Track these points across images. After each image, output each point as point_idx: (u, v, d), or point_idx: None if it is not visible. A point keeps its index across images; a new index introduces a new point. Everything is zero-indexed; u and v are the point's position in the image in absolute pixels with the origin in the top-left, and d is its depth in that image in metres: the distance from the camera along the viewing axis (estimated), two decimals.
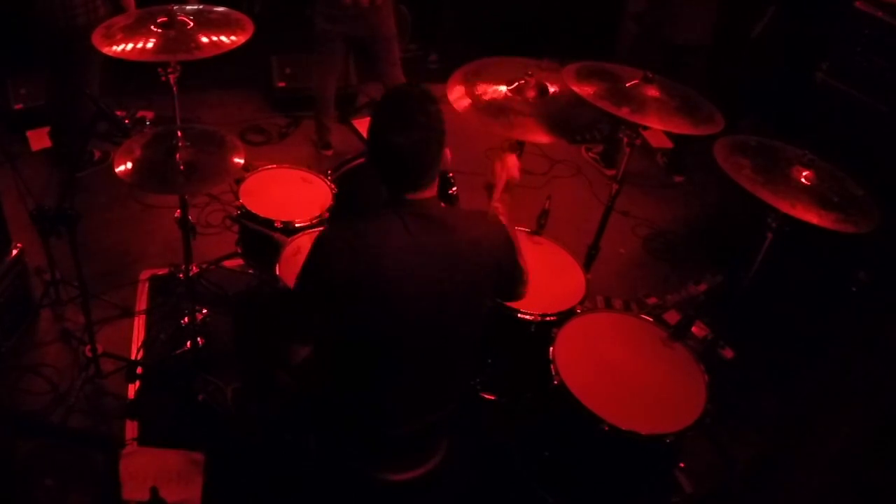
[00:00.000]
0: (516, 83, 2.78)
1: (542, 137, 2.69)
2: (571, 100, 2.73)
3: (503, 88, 2.73)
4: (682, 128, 2.60)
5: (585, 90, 2.64)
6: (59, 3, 3.32)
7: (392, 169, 1.75)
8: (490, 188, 2.22)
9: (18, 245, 3.04)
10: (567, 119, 2.75)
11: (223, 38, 2.55)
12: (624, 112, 2.55)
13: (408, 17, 5.07)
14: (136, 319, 3.25)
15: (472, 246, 1.81)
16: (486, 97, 2.70)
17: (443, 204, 1.89)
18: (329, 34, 3.94)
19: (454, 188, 3.07)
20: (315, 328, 1.90)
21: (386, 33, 4.00)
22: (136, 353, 3.09)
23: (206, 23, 2.61)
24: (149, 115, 4.51)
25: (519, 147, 2.55)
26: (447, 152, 1.80)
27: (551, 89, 2.78)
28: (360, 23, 3.87)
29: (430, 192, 1.79)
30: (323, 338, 1.92)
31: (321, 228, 2.83)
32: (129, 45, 2.46)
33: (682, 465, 2.62)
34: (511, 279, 1.98)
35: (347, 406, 1.95)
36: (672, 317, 2.77)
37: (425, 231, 1.75)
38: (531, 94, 2.77)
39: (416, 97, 1.74)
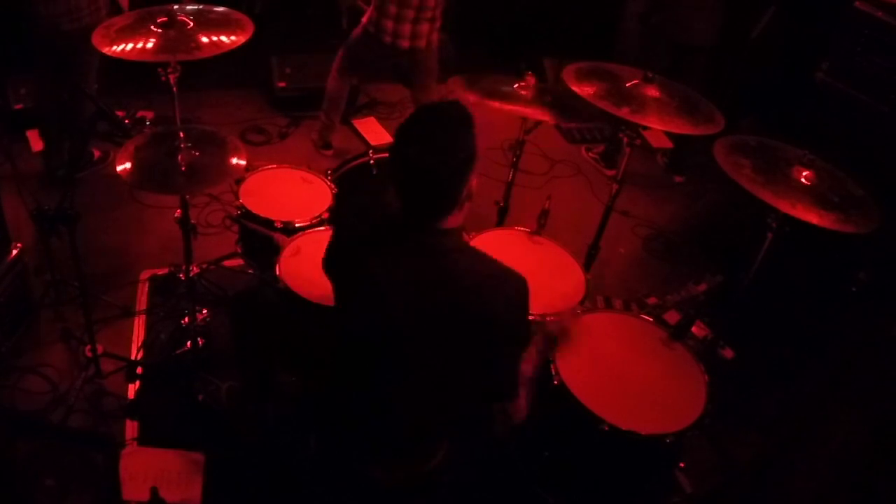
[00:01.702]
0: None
1: (545, 116, 2.71)
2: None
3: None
4: (683, 128, 2.60)
5: (585, 90, 2.65)
6: (44, 10, 3.32)
7: (404, 187, 1.65)
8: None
9: (18, 245, 3.04)
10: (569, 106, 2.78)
11: (223, 38, 2.54)
12: (624, 112, 2.56)
13: (451, 51, 4.89)
14: (136, 319, 3.25)
15: (477, 294, 1.68)
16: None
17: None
18: (367, 60, 3.92)
19: None
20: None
21: (426, 68, 3.99)
22: (136, 353, 3.09)
23: (206, 23, 2.61)
24: (149, 115, 4.51)
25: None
26: (473, 181, 1.66)
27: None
28: (404, 58, 3.86)
29: (452, 221, 1.69)
30: (326, 339, 1.93)
31: (321, 228, 2.84)
32: (129, 45, 2.46)
33: (682, 465, 2.62)
34: (501, 362, 1.79)
35: (348, 406, 1.95)
36: (672, 317, 2.77)
37: (431, 269, 1.66)
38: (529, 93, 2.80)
39: (447, 117, 1.62)
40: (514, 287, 1.71)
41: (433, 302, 1.68)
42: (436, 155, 1.58)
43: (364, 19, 3.85)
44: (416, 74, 4.03)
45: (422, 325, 1.71)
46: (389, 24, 3.70)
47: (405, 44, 3.74)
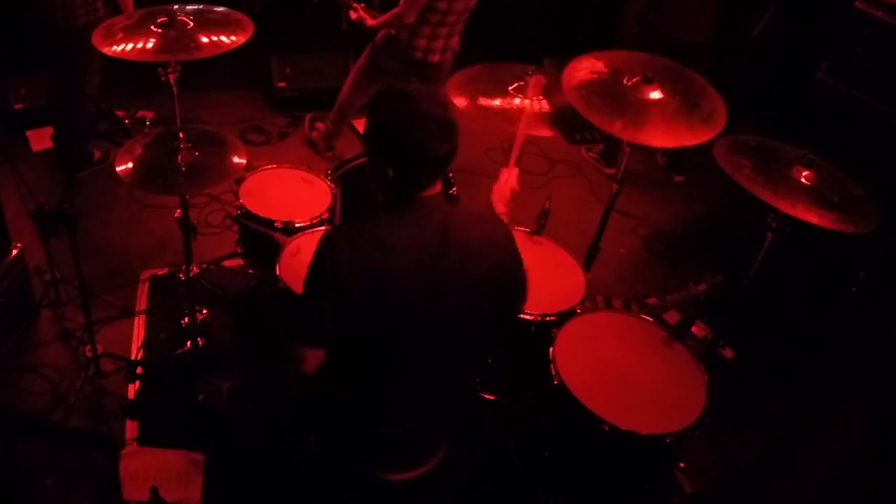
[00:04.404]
0: (516, 83, 2.79)
1: (543, 131, 2.69)
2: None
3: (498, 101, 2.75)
4: (679, 138, 2.59)
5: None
6: (60, 2, 3.33)
7: (411, 163, 1.70)
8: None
9: (18, 245, 3.04)
10: (567, 116, 2.76)
11: (223, 38, 2.55)
12: (616, 128, 2.50)
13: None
14: (136, 319, 3.25)
15: (475, 247, 1.79)
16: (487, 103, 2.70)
17: None
18: (392, 71, 3.90)
19: (454, 188, 3.07)
20: (327, 329, 1.84)
21: (444, 73, 3.91)
22: (136, 353, 3.09)
23: (206, 23, 2.61)
24: (149, 115, 4.51)
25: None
26: None
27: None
28: (428, 70, 3.85)
29: (435, 188, 1.77)
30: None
31: (322, 228, 2.84)
32: (129, 45, 2.46)
33: (682, 465, 2.62)
34: (513, 284, 1.95)
35: (348, 405, 1.95)
36: (672, 317, 2.78)
37: (431, 230, 1.74)
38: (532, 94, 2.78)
39: (426, 92, 1.71)
40: (502, 226, 1.96)
41: (440, 258, 1.74)
42: (450, 146, 1.69)
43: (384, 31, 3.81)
44: (432, 79, 4.01)
45: (430, 288, 1.74)
46: (422, 42, 3.67)
47: (436, 58, 3.75)
